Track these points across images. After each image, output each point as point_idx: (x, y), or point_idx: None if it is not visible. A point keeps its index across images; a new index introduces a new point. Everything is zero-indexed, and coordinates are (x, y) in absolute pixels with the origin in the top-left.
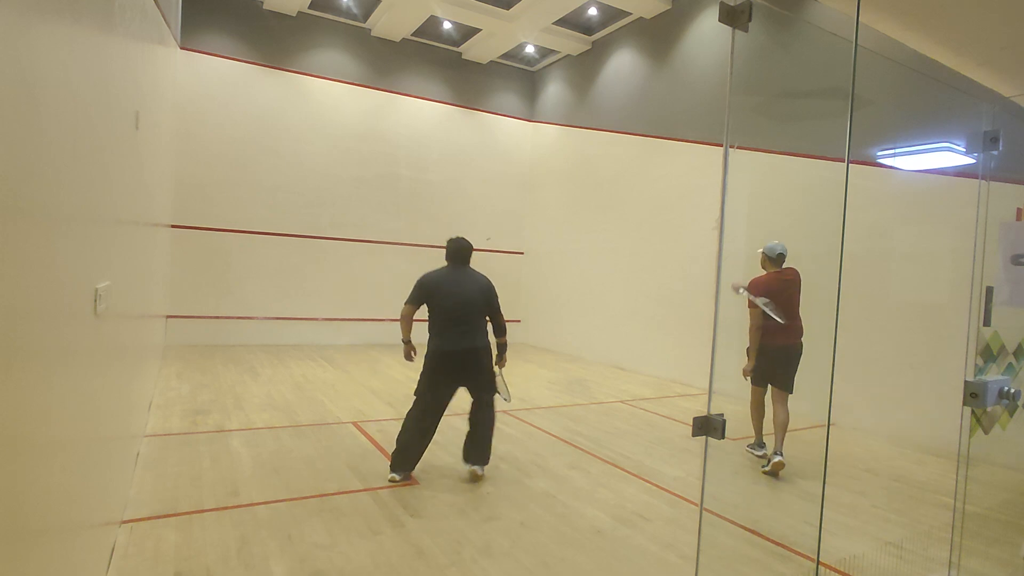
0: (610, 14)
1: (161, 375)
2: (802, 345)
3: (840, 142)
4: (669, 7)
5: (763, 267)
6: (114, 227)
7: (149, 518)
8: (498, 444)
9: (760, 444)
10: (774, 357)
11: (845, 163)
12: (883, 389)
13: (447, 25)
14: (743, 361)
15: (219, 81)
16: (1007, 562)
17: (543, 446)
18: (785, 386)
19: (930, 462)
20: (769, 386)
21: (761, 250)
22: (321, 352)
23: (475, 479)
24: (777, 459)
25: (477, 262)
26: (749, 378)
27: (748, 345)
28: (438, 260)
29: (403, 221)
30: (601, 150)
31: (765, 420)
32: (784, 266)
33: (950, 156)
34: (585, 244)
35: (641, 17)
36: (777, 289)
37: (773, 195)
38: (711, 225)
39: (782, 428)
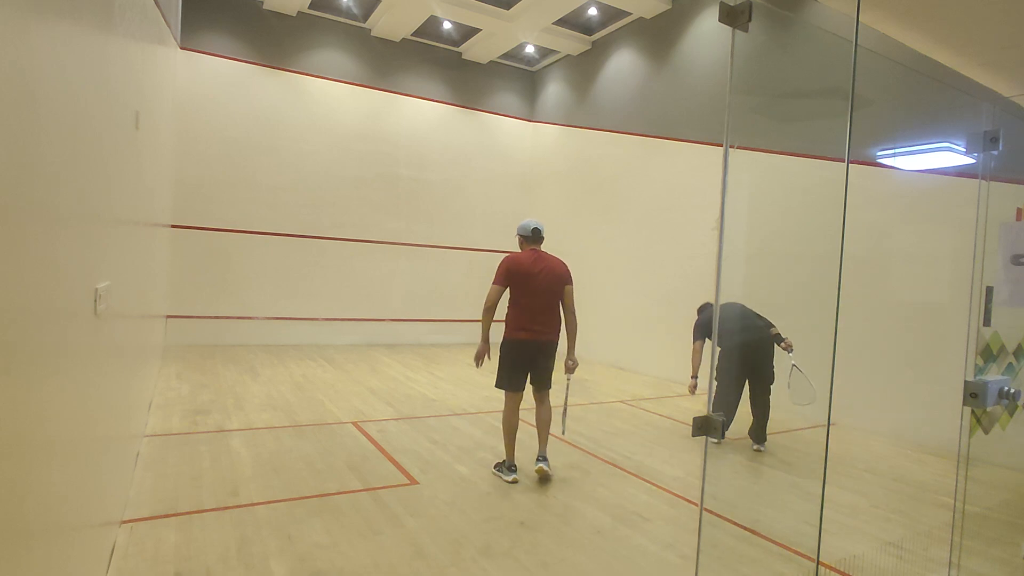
0: (610, 14)
1: (161, 375)
2: (554, 344)
3: (840, 142)
4: (669, 7)
5: (520, 248)
6: (114, 227)
7: (149, 518)
8: (497, 444)
9: (511, 467)
10: (520, 352)
11: (845, 163)
12: (883, 389)
13: (447, 25)
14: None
15: (219, 81)
16: (1007, 562)
17: None
18: (542, 383)
19: (930, 462)
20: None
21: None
22: (321, 352)
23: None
24: (539, 465)
25: (471, 261)
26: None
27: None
28: (438, 260)
29: (403, 221)
30: (601, 150)
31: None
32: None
33: (950, 156)
34: (585, 244)
35: (641, 17)
36: (527, 264)
37: (773, 195)
38: (711, 225)
39: (545, 427)
